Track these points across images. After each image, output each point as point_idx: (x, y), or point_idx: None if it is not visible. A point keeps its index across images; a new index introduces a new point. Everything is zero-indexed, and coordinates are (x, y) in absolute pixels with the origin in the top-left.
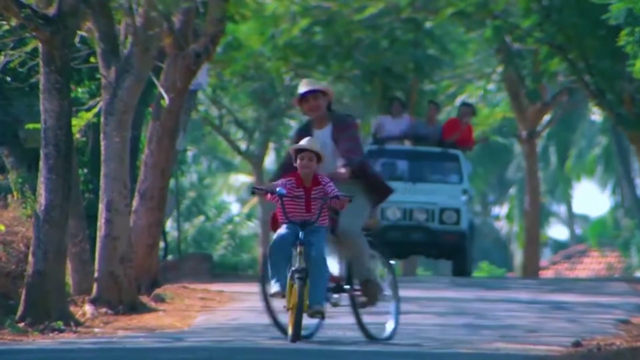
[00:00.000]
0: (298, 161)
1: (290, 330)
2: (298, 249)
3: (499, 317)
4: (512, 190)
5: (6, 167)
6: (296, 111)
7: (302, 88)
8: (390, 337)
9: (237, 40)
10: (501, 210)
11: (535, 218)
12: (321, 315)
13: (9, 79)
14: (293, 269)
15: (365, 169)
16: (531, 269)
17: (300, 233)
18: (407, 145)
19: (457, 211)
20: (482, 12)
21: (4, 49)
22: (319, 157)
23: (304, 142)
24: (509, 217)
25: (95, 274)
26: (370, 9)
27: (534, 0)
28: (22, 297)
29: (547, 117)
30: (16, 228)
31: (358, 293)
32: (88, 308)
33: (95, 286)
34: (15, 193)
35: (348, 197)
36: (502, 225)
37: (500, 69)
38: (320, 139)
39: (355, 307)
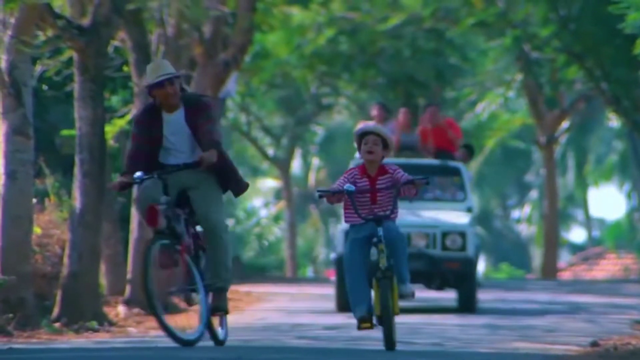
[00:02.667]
0: (362, 146)
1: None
2: (379, 247)
3: (518, 318)
4: (533, 194)
5: (43, 172)
6: (323, 117)
7: (154, 74)
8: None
9: (265, 50)
10: (521, 213)
11: (553, 221)
12: (413, 295)
13: (45, 87)
14: (378, 270)
15: (225, 156)
16: (550, 271)
17: (379, 229)
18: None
19: (463, 234)
20: (501, 22)
21: (41, 58)
22: (385, 142)
23: (368, 124)
24: (529, 220)
25: (128, 276)
26: (394, 19)
27: (552, 10)
28: (58, 298)
29: (565, 124)
30: (52, 231)
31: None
32: (121, 308)
33: (128, 287)
34: (51, 197)
35: (424, 180)
36: (522, 228)
37: (519, 76)
38: (174, 124)
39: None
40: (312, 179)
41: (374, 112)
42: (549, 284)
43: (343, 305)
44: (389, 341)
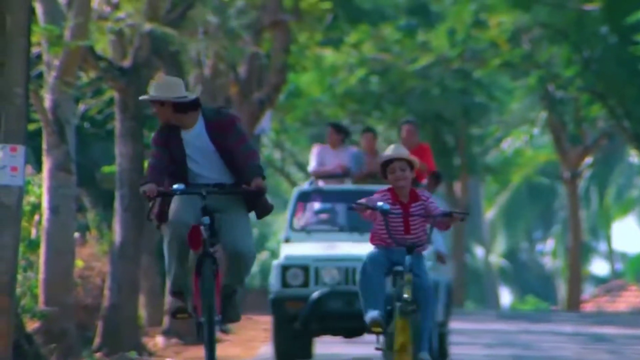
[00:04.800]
0: (389, 175)
1: None
2: (406, 277)
3: (544, 349)
4: (557, 228)
5: (84, 206)
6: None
7: (150, 91)
8: None
9: (298, 89)
10: (545, 246)
11: (577, 254)
12: None
13: (87, 125)
14: (402, 300)
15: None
16: (574, 303)
17: (407, 257)
18: (349, 184)
19: None
20: (526, 63)
21: (83, 97)
22: (411, 165)
23: (390, 150)
24: (553, 253)
25: (166, 307)
26: (422, 60)
27: (576, 51)
28: (99, 328)
29: (588, 160)
30: (93, 263)
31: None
32: (160, 339)
33: (166, 318)
34: (92, 230)
35: (463, 214)
36: (547, 261)
37: (544, 114)
38: (195, 141)
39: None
40: None
41: (327, 135)
42: (572, 315)
43: (282, 357)
44: None
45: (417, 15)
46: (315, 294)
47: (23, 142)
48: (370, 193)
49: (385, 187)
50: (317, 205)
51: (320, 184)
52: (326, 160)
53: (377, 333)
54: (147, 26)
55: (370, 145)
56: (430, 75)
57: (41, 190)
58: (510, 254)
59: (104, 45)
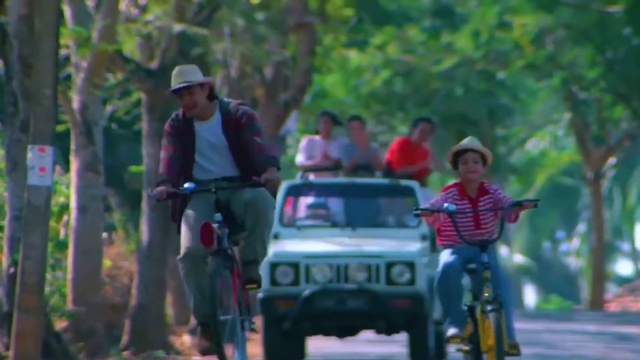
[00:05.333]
0: (460, 166)
1: None
2: (485, 274)
3: (567, 348)
4: (581, 227)
5: (111, 206)
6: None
7: (174, 81)
8: None
9: (324, 90)
10: (569, 246)
11: (600, 254)
12: (518, 351)
13: (114, 126)
14: (484, 300)
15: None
16: (597, 302)
17: (483, 255)
18: (342, 177)
19: (411, 265)
20: (550, 64)
21: (111, 99)
22: (484, 158)
23: (465, 141)
24: (577, 252)
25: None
26: (447, 61)
27: (599, 53)
28: (126, 327)
29: (611, 160)
30: (120, 263)
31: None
32: (187, 337)
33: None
34: (119, 230)
35: (534, 202)
36: (570, 261)
37: (567, 115)
38: (208, 133)
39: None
40: None
41: (321, 124)
42: (596, 315)
43: (272, 359)
44: None
45: (442, 17)
46: (305, 292)
47: (51, 143)
48: (363, 186)
49: (381, 180)
50: (307, 200)
51: (312, 177)
52: (315, 152)
53: (456, 343)
54: (175, 28)
55: (358, 135)
56: (455, 76)
57: (69, 191)
58: (535, 254)
59: (131, 47)
